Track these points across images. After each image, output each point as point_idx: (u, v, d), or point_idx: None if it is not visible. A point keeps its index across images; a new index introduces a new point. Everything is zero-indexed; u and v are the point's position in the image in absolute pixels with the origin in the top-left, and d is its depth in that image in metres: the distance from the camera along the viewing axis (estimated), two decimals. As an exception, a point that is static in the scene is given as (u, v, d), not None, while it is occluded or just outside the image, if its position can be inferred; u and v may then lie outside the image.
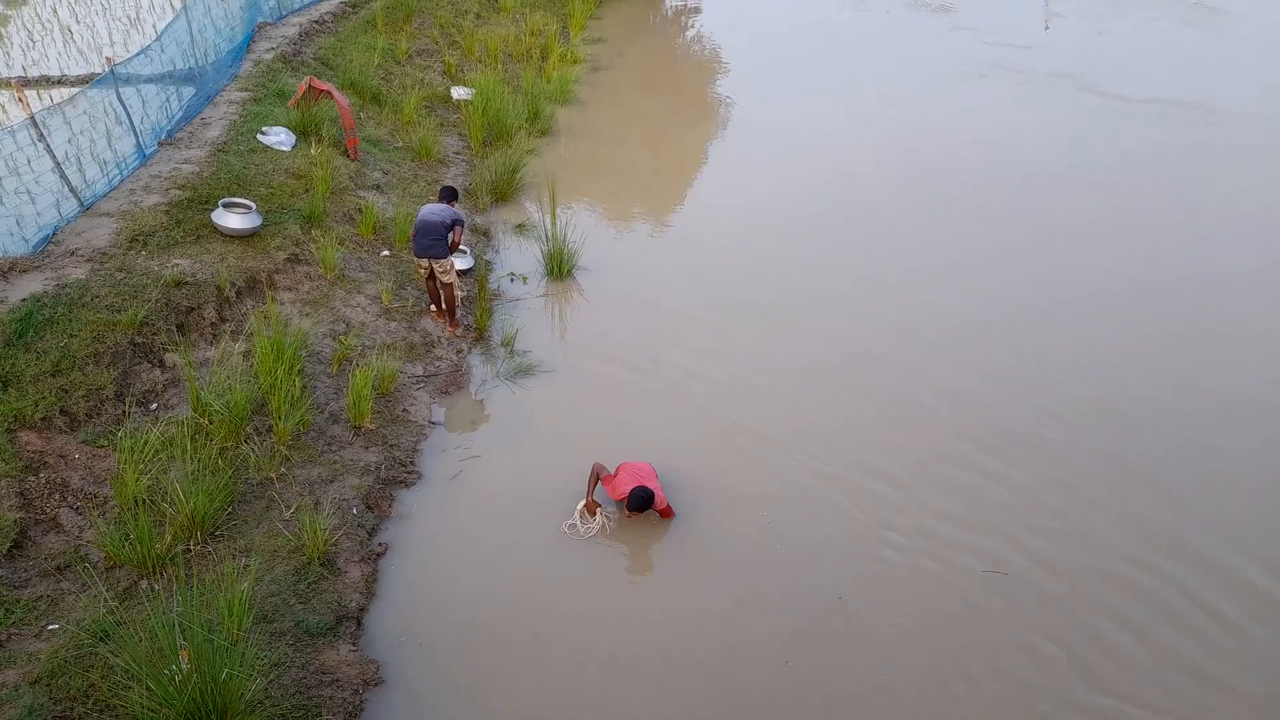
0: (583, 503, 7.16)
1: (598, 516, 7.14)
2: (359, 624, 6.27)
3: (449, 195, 9.45)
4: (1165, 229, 12.11)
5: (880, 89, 17.46)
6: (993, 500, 7.62)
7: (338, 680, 5.72)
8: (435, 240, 8.95)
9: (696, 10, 24.39)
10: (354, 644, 6.07)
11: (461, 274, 9.88)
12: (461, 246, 9.60)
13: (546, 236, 10.85)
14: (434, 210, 9.05)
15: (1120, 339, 9.77)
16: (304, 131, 11.60)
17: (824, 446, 8.15)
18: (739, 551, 7.06)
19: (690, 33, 22.60)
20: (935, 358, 9.42)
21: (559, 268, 10.69)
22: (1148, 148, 14.69)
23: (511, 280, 10.68)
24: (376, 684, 5.84)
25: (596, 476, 7.20)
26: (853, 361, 9.37)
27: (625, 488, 6.97)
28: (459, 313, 9.62)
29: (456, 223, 9.08)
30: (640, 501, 6.88)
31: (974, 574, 6.87)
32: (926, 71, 18.34)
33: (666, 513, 7.16)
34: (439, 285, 9.35)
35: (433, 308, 9.67)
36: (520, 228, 11.87)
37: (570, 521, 7.15)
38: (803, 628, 6.47)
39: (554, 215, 10.90)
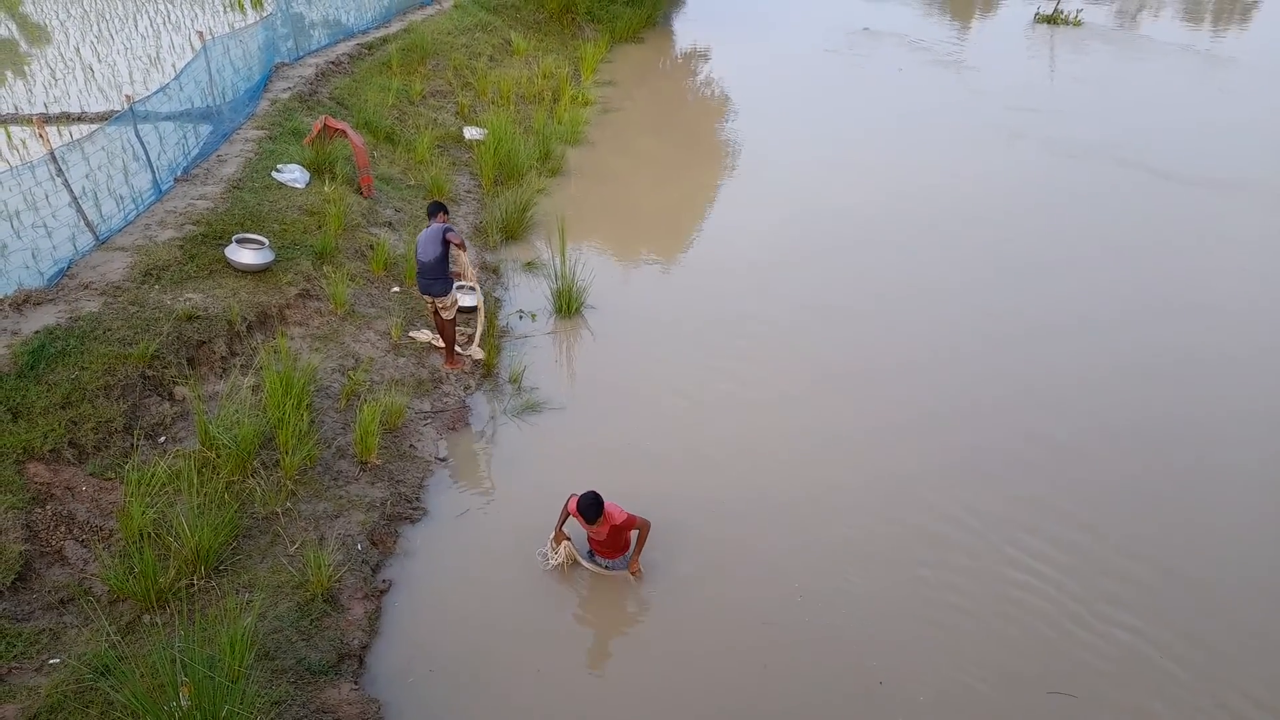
0: (553, 533, 7.06)
1: (562, 548, 7.00)
2: (361, 662, 6.19)
3: (435, 210, 9.17)
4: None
5: (890, 140, 17.68)
6: (1063, 592, 6.97)
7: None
8: (433, 279, 8.94)
9: (705, 56, 24.82)
10: (355, 683, 5.99)
11: (467, 311, 9.90)
12: (470, 284, 9.62)
13: (555, 274, 10.92)
14: (426, 243, 8.88)
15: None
16: (318, 169, 11.77)
17: (847, 498, 7.93)
18: (761, 611, 6.76)
19: (699, 77, 22.98)
20: (961, 403, 9.39)
21: (567, 305, 10.74)
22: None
23: (520, 317, 10.73)
24: (377, 724, 5.76)
25: (568, 510, 6.98)
26: (872, 401, 9.31)
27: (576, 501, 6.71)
28: (458, 349, 9.63)
29: (447, 233, 8.86)
30: (588, 506, 6.58)
31: (1036, 689, 6.20)
32: (951, 133, 18.38)
33: (630, 524, 6.76)
34: (440, 320, 9.36)
35: (452, 349, 9.63)
36: (529, 265, 11.96)
37: (541, 549, 7.13)
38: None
39: (563, 253, 10.98)
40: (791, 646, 6.49)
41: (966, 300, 11.40)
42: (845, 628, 6.66)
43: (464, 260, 9.68)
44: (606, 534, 6.80)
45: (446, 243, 8.90)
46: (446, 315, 9.21)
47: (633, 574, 7.00)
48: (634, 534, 6.96)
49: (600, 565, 7.05)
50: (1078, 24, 29.54)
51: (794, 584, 7.00)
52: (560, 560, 7.01)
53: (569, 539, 7.04)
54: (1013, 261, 12.47)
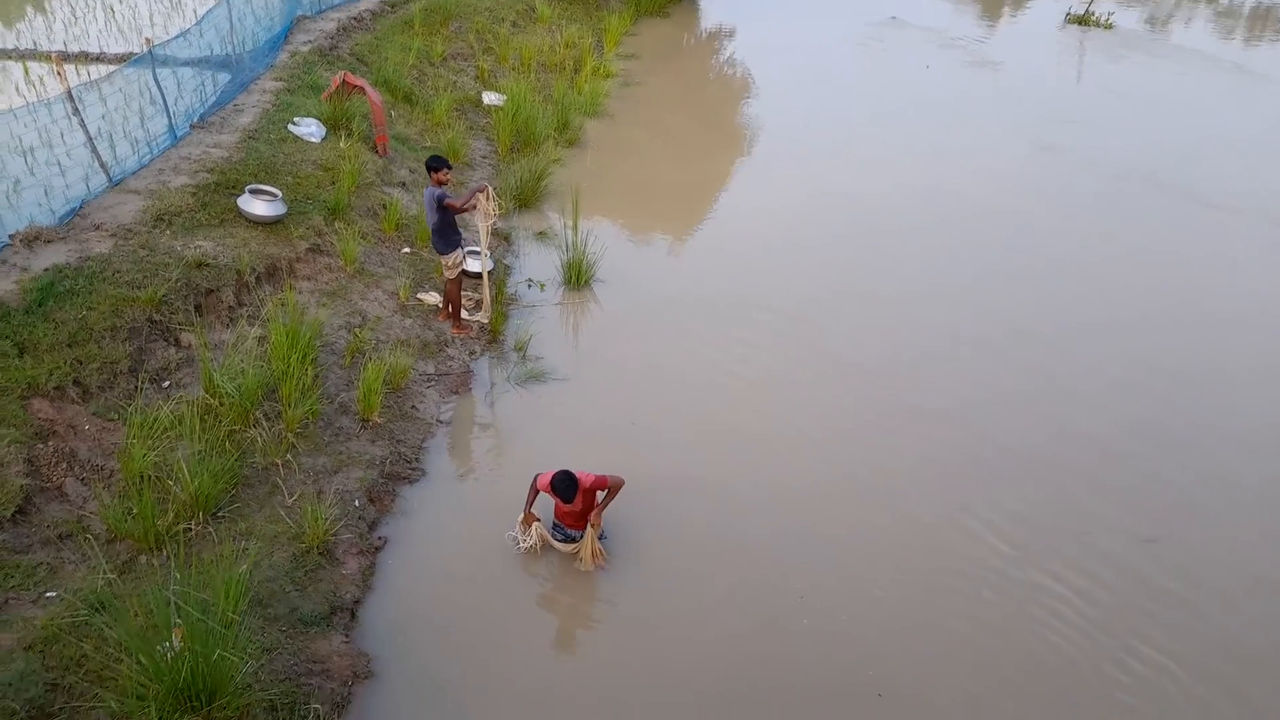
0: (522, 514, 6.92)
1: (534, 530, 6.87)
2: (353, 616, 6.25)
3: (432, 167, 8.89)
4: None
5: (911, 137, 17.46)
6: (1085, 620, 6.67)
7: (328, 670, 5.69)
8: (437, 240, 9.09)
9: (731, 34, 24.56)
10: (346, 635, 6.05)
11: (474, 276, 9.87)
12: (482, 250, 9.52)
13: (567, 245, 10.89)
14: (427, 207, 8.93)
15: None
16: (334, 125, 11.71)
17: (859, 491, 7.82)
18: (759, 607, 6.65)
19: (724, 55, 22.76)
20: (973, 387, 9.37)
21: (577, 277, 10.72)
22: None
23: (529, 286, 10.72)
24: (366, 677, 5.82)
25: (536, 489, 6.85)
26: (886, 391, 9.22)
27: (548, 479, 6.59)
28: (465, 314, 9.64)
29: (444, 199, 8.81)
30: (563, 485, 6.43)
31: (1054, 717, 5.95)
32: (976, 136, 17.92)
33: (601, 484, 6.68)
34: (447, 281, 9.36)
35: (458, 312, 9.60)
36: (541, 235, 11.93)
37: (511, 532, 6.99)
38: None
39: (576, 225, 10.94)
40: (788, 646, 6.38)
41: (985, 295, 11.23)
42: (847, 632, 6.49)
43: (479, 209, 9.19)
44: (580, 504, 6.68)
45: (439, 210, 8.89)
46: (448, 274, 9.20)
47: (593, 526, 6.76)
48: (601, 493, 6.82)
49: (575, 539, 6.90)
50: (1109, 27, 29.13)
51: (797, 581, 6.87)
52: (532, 543, 6.88)
53: (539, 519, 6.91)
54: (1035, 260, 12.25)
